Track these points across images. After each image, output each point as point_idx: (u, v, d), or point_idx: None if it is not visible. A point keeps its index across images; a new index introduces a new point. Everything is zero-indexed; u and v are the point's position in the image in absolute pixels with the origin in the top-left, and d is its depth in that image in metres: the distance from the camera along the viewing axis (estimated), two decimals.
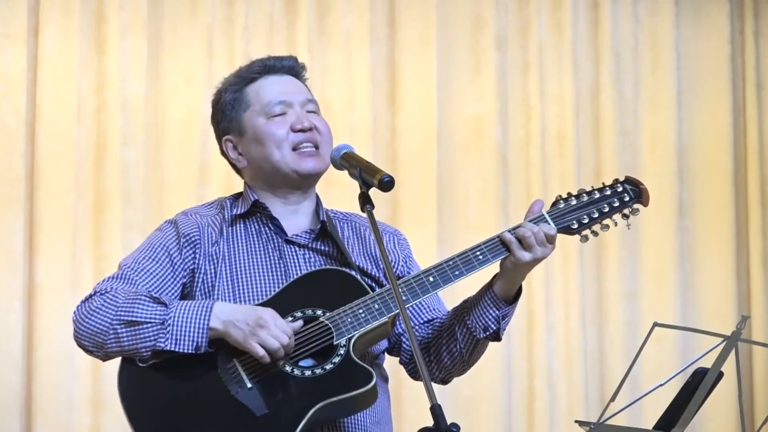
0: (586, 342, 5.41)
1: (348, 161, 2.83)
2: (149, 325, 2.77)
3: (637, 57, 5.62)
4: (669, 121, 5.61)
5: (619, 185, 2.94)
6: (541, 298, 5.35)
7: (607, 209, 2.92)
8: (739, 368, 3.35)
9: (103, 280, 2.90)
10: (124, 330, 2.78)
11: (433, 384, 2.90)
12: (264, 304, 2.81)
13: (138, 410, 2.79)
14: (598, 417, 3.34)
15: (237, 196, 3.06)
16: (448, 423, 2.40)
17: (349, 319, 2.79)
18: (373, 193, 2.74)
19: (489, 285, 2.92)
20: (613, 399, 3.35)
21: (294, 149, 2.95)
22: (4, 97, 4.95)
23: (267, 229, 2.97)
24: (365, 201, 2.72)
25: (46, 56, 4.99)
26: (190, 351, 2.75)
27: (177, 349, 2.75)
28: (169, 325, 2.76)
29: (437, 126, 5.34)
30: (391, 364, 3.09)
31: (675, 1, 5.66)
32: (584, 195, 2.92)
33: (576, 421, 3.45)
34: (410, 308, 3.00)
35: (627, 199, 2.93)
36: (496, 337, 2.94)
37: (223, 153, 3.08)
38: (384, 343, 2.99)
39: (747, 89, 5.71)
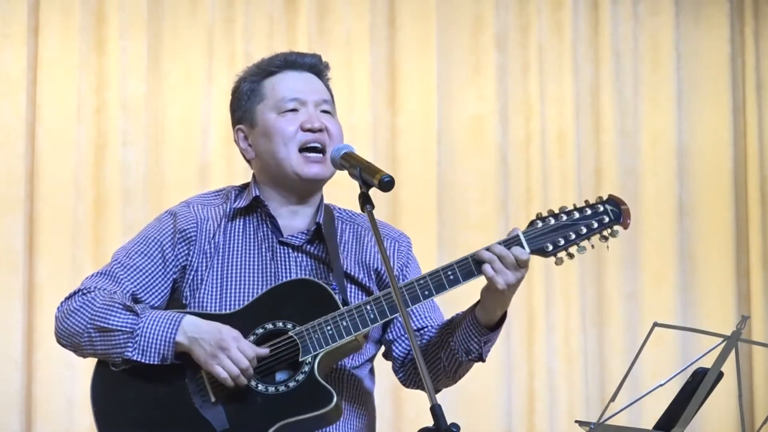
0: (586, 342, 5.41)
1: (348, 161, 2.81)
2: (120, 333, 2.79)
3: (637, 57, 5.62)
4: (669, 121, 5.61)
5: (600, 205, 2.84)
6: (541, 298, 5.35)
7: (584, 231, 2.82)
8: (739, 368, 3.35)
9: (91, 276, 2.93)
10: (97, 335, 2.81)
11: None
12: (237, 314, 2.82)
13: (105, 415, 2.83)
14: (598, 417, 3.33)
15: (244, 187, 3.04)
16: (448, 423, 2.40)
17: (315, 336, 2.78)
18: (373, 193, 2.73)
19: (472, 309, 2.87)
20: (613, 399, 3.35)
21: (301, 150, 2.92)
22: (4, 97, 4.95)
23: (264, 227, 2.95)
24: (365, 201, 2.70)
25: (46, 56, 4.99)
26: (156, 362, 2.78)
27: (143, 360, 2.78)
28: (137, 335, 2.78)
29: (437, 126, 5.34)
30: (389, 365, 3.08)
31: (675, 1, 5.66)
32: (563, 215, 2.83)
33: (576, 421, 3.45)
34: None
35: (606, 220, 2.83)
36: (479, 359, 2.91)
37: (235, 141, 3.06)
38: (372, 350, 2.98)
39: (747, 89, 5.71)
